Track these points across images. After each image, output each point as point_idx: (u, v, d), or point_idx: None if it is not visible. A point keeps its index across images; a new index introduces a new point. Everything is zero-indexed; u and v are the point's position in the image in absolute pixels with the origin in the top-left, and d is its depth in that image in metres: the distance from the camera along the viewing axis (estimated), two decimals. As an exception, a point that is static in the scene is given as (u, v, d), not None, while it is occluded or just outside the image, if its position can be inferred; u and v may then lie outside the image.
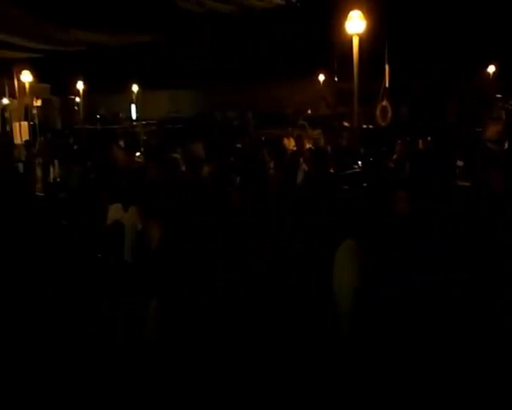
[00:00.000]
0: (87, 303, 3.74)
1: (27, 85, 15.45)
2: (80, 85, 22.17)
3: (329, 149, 9.03)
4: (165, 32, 14.91)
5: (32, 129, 15.96)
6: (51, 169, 9.28)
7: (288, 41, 19.47)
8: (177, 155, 7.74)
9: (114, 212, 5.24)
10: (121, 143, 10.68)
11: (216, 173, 6.18)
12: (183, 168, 7.07)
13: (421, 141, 8.39)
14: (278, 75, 21.79)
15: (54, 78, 22.09)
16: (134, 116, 24.79)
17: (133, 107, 25.09)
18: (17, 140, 14.59)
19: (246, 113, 20.70)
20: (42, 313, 3.92)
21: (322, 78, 23.69)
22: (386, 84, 12.33)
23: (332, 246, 3.34)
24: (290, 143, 10.07)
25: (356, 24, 8.41)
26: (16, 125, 16.58)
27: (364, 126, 13.25)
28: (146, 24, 12.63)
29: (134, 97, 24.66)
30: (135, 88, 24.31)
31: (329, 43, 15.27)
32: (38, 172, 9.36)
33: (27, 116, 17.87)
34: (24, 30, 12.17)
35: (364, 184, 6.09)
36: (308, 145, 9.30)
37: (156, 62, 21.89)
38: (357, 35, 8.36)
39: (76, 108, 25.11)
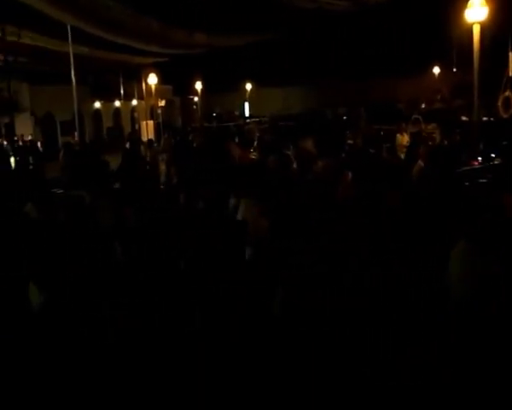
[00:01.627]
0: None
1: (153, 88, 16.80)
2: (198, 86, 23.40)
3: (446, 144, 8.77)
4: (276, 30, 15.18)
5: (156, 127, 17.39)
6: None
7: (403, 34, 18.89)
8: (288, 152, 7.99)
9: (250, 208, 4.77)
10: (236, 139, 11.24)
11: (328, 170, 6.30)
12: (295, 165, 7.32)
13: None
14: (391, 69, 21.25)
15: (176, 79, 23.69)
16: (247, 113, 25.66)
17: (246, 105, 25.99)
18: (144, 137, 15.99)
19: (358, 108, 20.51)
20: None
21: (436, 70, 22.64)
22: (510, 74, 11.51)
23: (447, 246, 3.22)
24: (404, 139, 9.88)
25: (477, 11, 8.05)
26: (143, 123, 18.23)
27: (485, 119, 12.52)
28: (259, 24, 12.98)
29: (247, 95, 25.54)
30: (248, 86, 25.17)
31: (446, 34, 14.57)
32: (162, 167, 10.16)
33: (153, 115, 19.50)
34: (152, 37, 13.17)
35: (484, 181, 5.88)
36: (423, 140, 9.08)
37: (268, 61, 22.44)
38: (479, 23, 8.01)
39: (194, 107, 26.66)
